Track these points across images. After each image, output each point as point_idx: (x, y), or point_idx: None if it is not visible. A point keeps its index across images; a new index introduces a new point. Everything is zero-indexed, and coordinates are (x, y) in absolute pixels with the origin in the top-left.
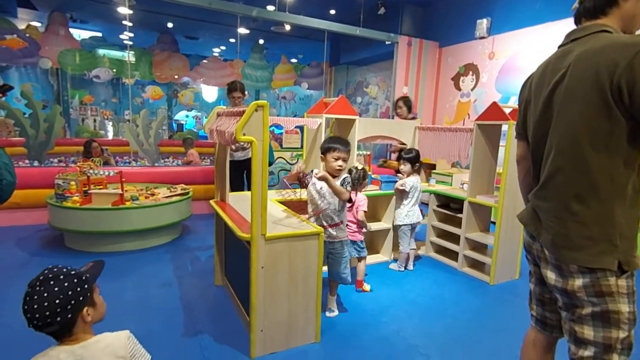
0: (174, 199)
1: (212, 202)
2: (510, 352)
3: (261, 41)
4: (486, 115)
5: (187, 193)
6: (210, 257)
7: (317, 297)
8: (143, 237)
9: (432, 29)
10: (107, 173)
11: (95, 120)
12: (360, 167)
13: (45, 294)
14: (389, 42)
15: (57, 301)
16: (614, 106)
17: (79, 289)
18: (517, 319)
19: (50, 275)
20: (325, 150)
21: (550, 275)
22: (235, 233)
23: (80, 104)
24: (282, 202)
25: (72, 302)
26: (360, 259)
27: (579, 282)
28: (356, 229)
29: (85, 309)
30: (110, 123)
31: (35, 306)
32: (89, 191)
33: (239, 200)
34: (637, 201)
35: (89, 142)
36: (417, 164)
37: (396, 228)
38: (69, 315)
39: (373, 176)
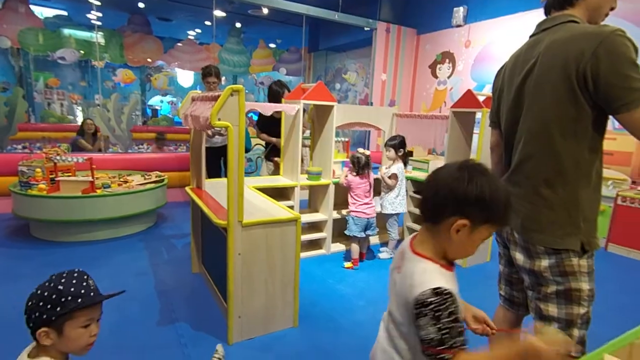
0: (148, 186)
1: (187, 189)
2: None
3: (238, 25)
4: (461, 103)
5: (162, 180)
6: (187, 244)
7: (295, 282)
8: (116, 225)
9: (410, 15)
10: (75, 160)
11: (62, 105)
12: (365, 153)
13: (31, 296)
14: (368, 28)
15: (31, 307)
16: (580, 94)
17: (48, 306)
18: (488, 299)
19: (46, 282)
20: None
21: (519, 257)
22: (211, 220)
23: (46, 87)
24: (260, 189)
25: (36, 314)
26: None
27: (545, 262)
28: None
29: (43, 330)
30: (80, 108)
31: (27, 302)
32: (57, 179)
33: (216, 187)
34: (599, 186)
35: (84, 120)
36: (402, 150)
37: (384, 216)
38: (30, 325)
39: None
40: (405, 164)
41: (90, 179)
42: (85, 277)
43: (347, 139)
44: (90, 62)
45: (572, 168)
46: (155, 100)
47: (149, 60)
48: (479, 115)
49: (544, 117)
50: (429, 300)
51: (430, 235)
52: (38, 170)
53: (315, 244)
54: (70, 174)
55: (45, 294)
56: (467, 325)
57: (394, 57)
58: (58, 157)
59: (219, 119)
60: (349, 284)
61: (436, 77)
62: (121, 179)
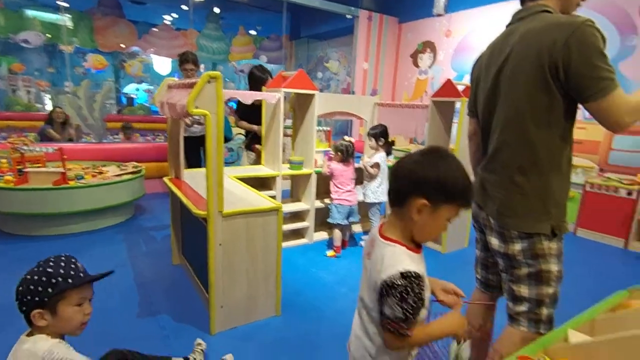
0: (125, 177)
1: (165, 179)
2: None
3: (217, 10)
4: (441, 92)
5: (139, 171)
6: (167, 236)
7: (277, 271)
8: (91, 218)
9: (392, 3)
10: (45, 150)
11: (29, 92)
12: (350, 141)
13: (22, 281)
14: (350, 16)
15: (22, 291)
16: (552, 83)
17: (39, 289)
18: (466, 283)
19: (35, 267)
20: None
21: (494, 241)
22: (191, 210)
23: (9, 72)
24: (241, 179)
25: (27, 297)
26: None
27: (518, 246)
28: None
29: (37, 311)
30: (48, 96)
31: (17, 287)
32: (25, 170)
33: (195, 177)
34: (569, 173)
35: (53, 108)
36: (382, 139)
37: (367, 204)
38: (24, 309)
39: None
40: (388, 153)
41: (61, 170)
42: (73, 260)
43: (329, 128)
44: (57, 47)
45: (545, 156)
46: (130, 89)
47: (122, 45)
48: (458, 104)
49: (518, 106)
50: (397, 282)
51: (398, 220)
52: (4, 161)
53: (297, 234)
54: (39, 165)
55: (36, 277)
56: (436, 297)
57: (375, 46)
58: (25, 147)
59: (197, 107)
60: (332, 272)
61: (417, 66)
62: (95, 170)
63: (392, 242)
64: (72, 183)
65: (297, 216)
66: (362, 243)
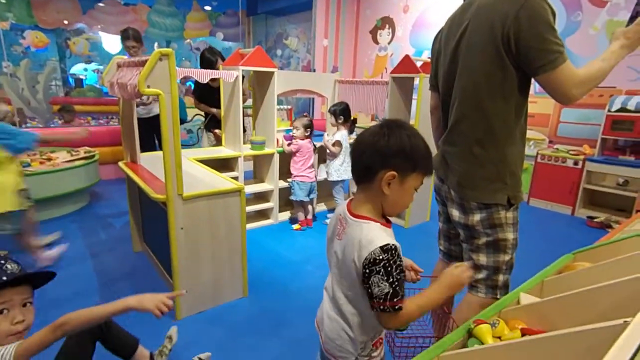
0: (77, 163)
1: (121, 164)
2: (423, 283)
3: None
4: (400, 68)
5: (92, 156)
6: (126, 223)
7: (243, 252)
8: (43, 207)
9: None
10: None
11: None
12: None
13: None
14: None
15: None
16: (505, 56)
17: None
18: (429, 255)
19: None
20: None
21: (455, 213)
22: (149, 195)
23: None
24: (202, 161)
25: None
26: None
27: (477, 217)
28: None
29: None
30: None
31: None
32: None
33: (153, 160)
34: (524, 144)
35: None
36: (342, 117)
37: (330, 183)
38: None
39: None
40: (351, 131)
41: None
42: (1, 261)
43: (290, 107)
44: None
45: (500, 128)
46: (78, 69)
47: (65, 22)
48: (417, 80)
49: (474, 79)
50: (380, 257)
51: (366, 196)
52: None
53: (262, 215)
54: None
55: None
56: None
57: (334, 22)
58: None
59: (148, 87)
60: (297, 251)
61: (377, 43)
62: (43, 157)
63: (364, 219)
64: None
65: (261, 197)
66: (327, 222)
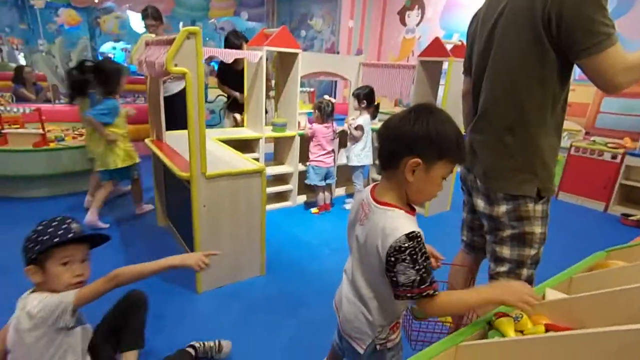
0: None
1: (147, 141)
2: (442, 273)
3: None
4: (428, 52)
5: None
6: (151, 198)
7: (262, 232)
8: (74, 180)
9: None
10: (22, 110)
11: (0, 50)
12: (330, 100)
13: (24, 238)
14: None
15: (22, 248)
16: (545, 38)
17: (29, 245)
18: (449, 245)
19: (34, 227)
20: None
21: (480, 204)
22: (174, 172)
23: None
24: (224, 141)
25: (23, 254)
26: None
27: (503, 208)
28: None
29: (29, 267)
30: (22, 54)
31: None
32: (3, 131)
33: (177, 139)
34: (559, 135)
35: (20, 67)
36: (366, 102)
37: (350, 168)
38: (24, 263)
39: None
40: (373, 117)
41: (41, 131)
42: (68, 220)
43: (312, 89)
44: (27, 1)
45: (534, 116)
46: (107, 47)
47: (95, 0)
48: (446, 65)
49: (509, 62)
50: (405, 245)
51: (391, 183)
52: None
53: (281, 197)
54: (18, 126)
55: (30, 235)
56: None
57: (361, 2)
58: (1, 108)
59: (176, 65)
60: (315, 234)
61: (405, 24)
62: (76, 132)
63: (389, 206)
64: (52, 145)
65: (280, 179)
66: (346, 206)
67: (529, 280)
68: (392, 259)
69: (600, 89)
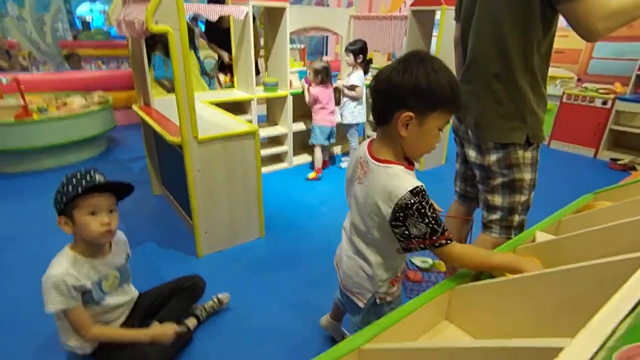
0: (92, 108)
1: (135, 107)
2: None
3: None
4: (420, 0)
5: (107, 101)
6: (144, 167)
7: (258, 194)
8: (62, 153)
9: None
10: None
11: None
12: (324, 61)
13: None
14: None
15: (52, 203)
16: None
17: (57, 197)
18: (443, 199)
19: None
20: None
21: (472, 154)
22: (165, 138)
23: None
24: (215, 104)
25: (54, 206)
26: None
27: (493, 157)
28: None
29: (60, 218)
30: None
31: None
32: None
33: (166, 104)
34: (544, 82)
35: None
36: (362, 56)
37: (344, 126)
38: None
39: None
40: (366, 72)
41: (21, 102)
42: (92, 171)
43: (303, 46)
44: None
45: (520, 63)
46: (84, 10)
47: None
48: (438, 14)
49: (495, 9)
50: (411, 201)
51: (387, 139)
52: None
53: (276, 158)
54: None
55: (58, 188)
56: None
57: None
58: None
59: (157, 23)
60: (312, 194)
61: None
62: (59, 102)
63: (387, 163)
64: (35, 117)
65: (275, 141)
66: (343, 165)
67: (520, 226)
68: (401, 215)
69: (580, 37)
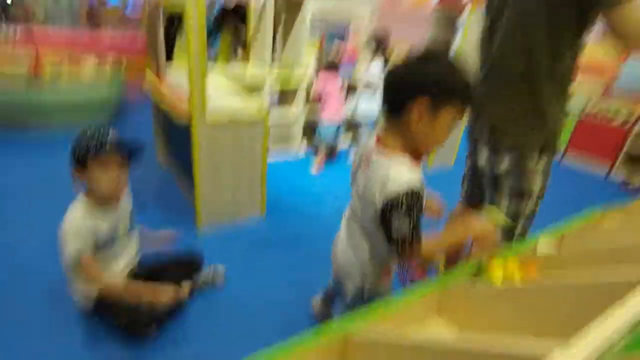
0: (105, 71)
1: (147, 78)
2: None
3: None
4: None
5: (120, 65)
6: (152, 139)
7: (262, 176)
8: (69, 114)
9: None
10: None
11: None
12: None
13: None
14: None
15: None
16: None
17: (73, 151)
18: (449, 199)
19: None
20: None
21: (483, 155)
22: (173, 118)
23: None
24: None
25: (70, 158)
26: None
27: (506, 161)
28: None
29: (73, 170)
30: None
31: None
32: None
33: (179, 74)
34: (567, 91)
35: None
36: (378, 46)
37: (355, 122)
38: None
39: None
40: (386, 62)
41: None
42: (106, 129)
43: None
44: None
45: (545, 68)
46: None
47: None
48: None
49: (526, 10)
50: (402, 199)
51: (396, 130)
52: None
53: (285, 141)
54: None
55: (74, 142)
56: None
57: None
58: None
59: None
60: (317, 181)
61: None
62: (70, 62)
63: (392, 154)
64: (47, 74)
65: (285, 125)
66: (351, 155)
67: (523, 233)
68: (389, 207)
69: (623, 46)
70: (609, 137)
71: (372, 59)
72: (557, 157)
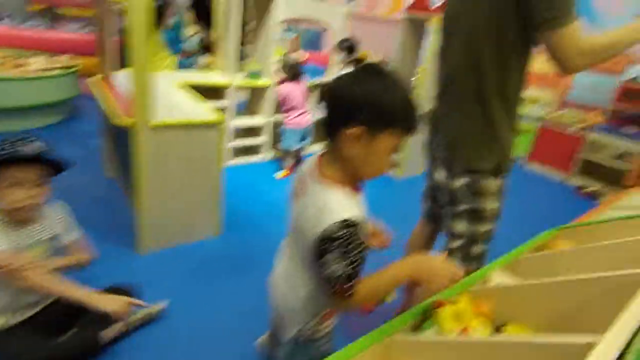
0: (53, 72)
1: (92, 79)
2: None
3: None
4: (417, 4)
5: (73, 66)
6: (96, 147)
7: (218, 188)
8: (14, 117)
9: None
10: None
11: None
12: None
13: None
14: None
15: None
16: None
17: None
18: (416, 211)
19: None
20: None
21: (440, 173)
22: (112, 119)
23: None
24: (195, 87)
25: None
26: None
27: (461, 181)
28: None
29: None
30: None
31: None
32: None
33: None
34: (518, 107)
35: None
36: (355, 54)
37: None
38: None
39: None
40: None
41: None
42: (21, 141)
43: (295, 35)
44: None
45: (495, 85)
46: None
47: None
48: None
49: (475, 29)
50: (337, 234)
51: (335, 154)
52: None
53: (251, 150)
54: None
55: None
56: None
57: None
58: None
59: None
60: (281, 192)
61: None
62: (16, 61)
63: (329, 183)
64: None
65: (252, 131)
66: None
67: (481, 256)
68: (323, 246)
69: (556, 67)
70: (566, 144)
71: (344, 66)
72: (518, 163)
